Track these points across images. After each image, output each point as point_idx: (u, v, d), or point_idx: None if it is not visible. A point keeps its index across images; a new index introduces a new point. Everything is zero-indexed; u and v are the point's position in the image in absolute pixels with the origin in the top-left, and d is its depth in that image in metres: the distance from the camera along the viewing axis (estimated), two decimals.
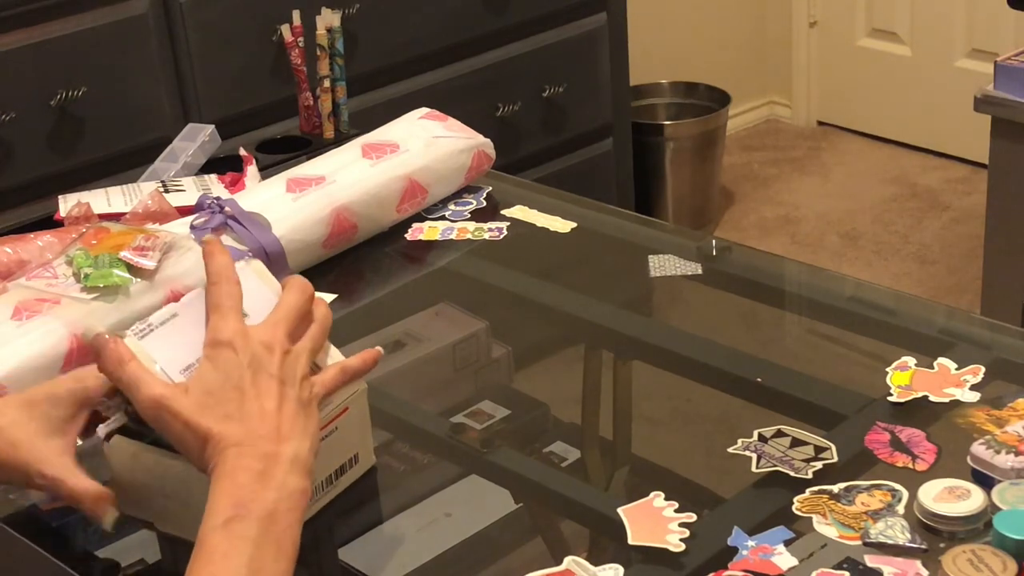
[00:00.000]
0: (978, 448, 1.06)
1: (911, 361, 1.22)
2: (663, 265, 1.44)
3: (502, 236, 1.52)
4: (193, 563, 0.88)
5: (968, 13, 3.62)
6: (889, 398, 1.17)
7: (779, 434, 1.14)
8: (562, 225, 1.54)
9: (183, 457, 0.99)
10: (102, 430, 1.05)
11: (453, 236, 1.53)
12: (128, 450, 1.03)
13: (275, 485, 0.92)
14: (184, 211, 1.49)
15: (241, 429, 0.94)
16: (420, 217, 1.57)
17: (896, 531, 1.00)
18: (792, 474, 1.09)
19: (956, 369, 1.20)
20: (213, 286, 1.01)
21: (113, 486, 1.05)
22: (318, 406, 1.00)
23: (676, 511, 1.05)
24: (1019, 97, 2.25)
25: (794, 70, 4.04)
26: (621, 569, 1.00)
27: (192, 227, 1.39)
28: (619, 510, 1.06)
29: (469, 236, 1.52)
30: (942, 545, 0.99)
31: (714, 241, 1.47)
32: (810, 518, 1.04)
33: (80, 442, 1.07)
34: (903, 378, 1.20)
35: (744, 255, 1.50)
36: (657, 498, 1.07)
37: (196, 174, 1.67)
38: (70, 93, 2.27)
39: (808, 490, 1.07)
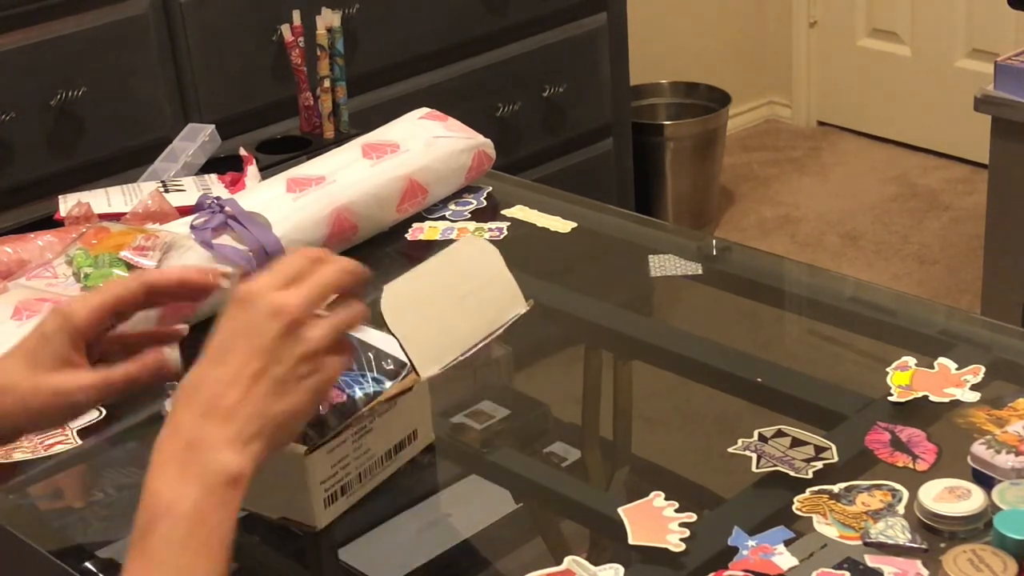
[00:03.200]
0: (978, 448, 1.06)
1: (911, 361, 1.22)
2: (663, 265, 1.44)
3: (502, 236, 1.52)
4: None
5: (968, 13, 3.62)
6: (889, 398, 1.17)
7: (779, 434, 1.14)
8: (562, 225, 1.54)
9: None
10: (168, 404, 1.05)
11: (453, 236, 1.53)
12: None
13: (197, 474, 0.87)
14: (184, 211, 1.49)
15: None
16: (420, 217, 1.57)
17: (896, 531, 1.00)
18: (792, 474, 1.09)
19: (956, 369, 1.20)
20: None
21: None
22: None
23: (676, 511, 1.05)
24: (1019, 97, 2.25)
25: (794, 70, 4.04)
26: (621, 569, 1.00)
27: (192, 227, 1.39)
28: (619, 510, 1.06)
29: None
30: (942, 545, 0.99)
31: (714, 241, 1.47)
32: (810, 518, 1.04)
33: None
34: (903, 378, 1.20)
35: (744, 255, 1.50)
36: (657, 498, 1.07)
37: (196, 174, 1.67)
38: (70, 93, 2.27)
39: (808, 490, 1.07)
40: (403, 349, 0.97)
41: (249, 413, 0.89)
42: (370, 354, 1.09)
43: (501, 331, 1.05)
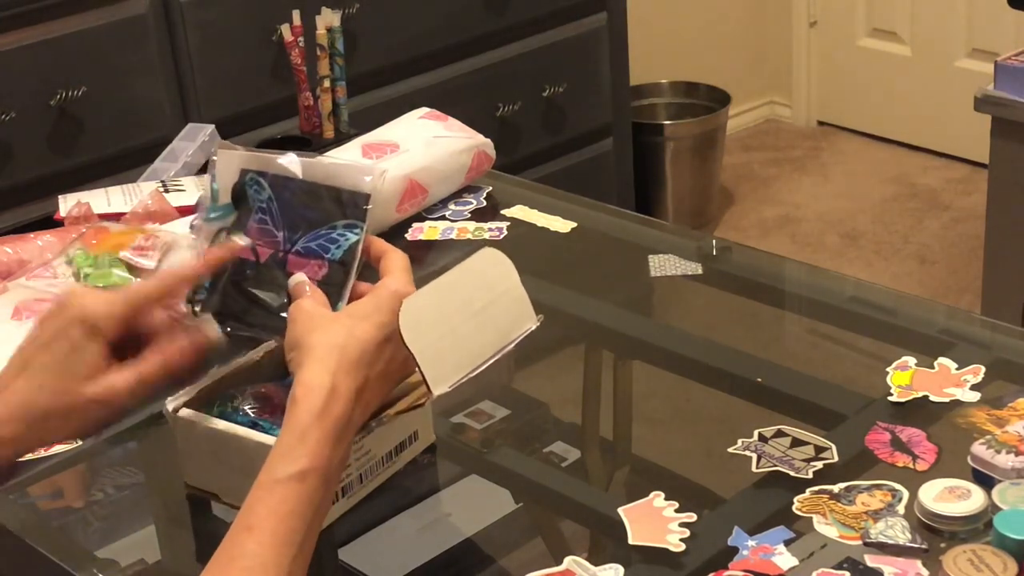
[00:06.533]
0: (978, 448, 1.06)
1: (911, 361, 1.22)
2: (663, 265, 1.44)
3: (502, 236, 1.52)
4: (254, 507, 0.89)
5: (968, 13, 3.62)
6: (889, 398, 1.17)
7: (779, 434, 1.14)
8: (562, 225, 1.54)
9: (248, 431, 1.03)
10: (169, 403, 1.05)
11: (453, 236, 1.53)
12: (194, 422, 1.05)
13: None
14: (184, 211, 1.49)
15: None
16: (420, 217, 1.57)
17: (896, 531, 1.00)
18: (792, 474, 1.09)
19: (956, 369, 1.20)
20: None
21: (179, 457, 1.07)
22: None
23: (676, 511, 1.05)
24: (1019, 97, 2.25)
25: (794, 70, 4.04)
26: (621, 569, 1.00)
27: (192, 227, 1.39)
28: (619, 510, 1.06)
29: (469, 236, 1.52)
30: (943, 545, 0.99)
31: (714, 241, 1.47)
32: (810, 518, 1.04)
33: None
34: (903, 378, 1.20)
35: (744, 255, 1.50)
36: (657, 498, 1.07)
37: (196, 174, 1.67)
38: (70, 93, 2.27)
39: (808, 490, 1.07)
40: (417, 365, 0.98)
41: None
42: (324, 197, 1.07)
43: (511, 347, 1.05)
